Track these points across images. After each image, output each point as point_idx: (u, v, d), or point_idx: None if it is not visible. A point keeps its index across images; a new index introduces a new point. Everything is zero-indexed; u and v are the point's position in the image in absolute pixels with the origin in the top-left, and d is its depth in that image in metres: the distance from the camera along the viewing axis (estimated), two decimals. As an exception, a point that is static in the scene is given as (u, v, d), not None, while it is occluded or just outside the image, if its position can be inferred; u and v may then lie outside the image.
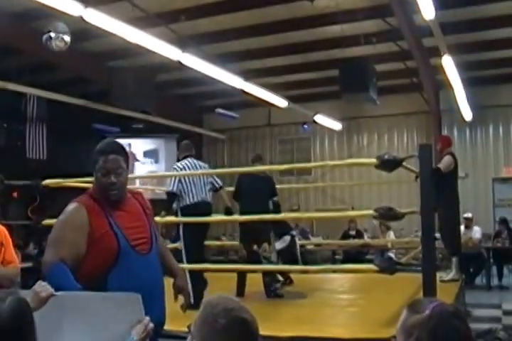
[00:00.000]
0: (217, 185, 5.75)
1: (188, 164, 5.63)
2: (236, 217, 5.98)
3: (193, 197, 5.49)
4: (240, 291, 5.73)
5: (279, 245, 6.72)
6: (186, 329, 1.61)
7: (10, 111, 12.16)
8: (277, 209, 6.10)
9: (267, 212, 5.77)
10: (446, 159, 6.44)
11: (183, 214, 5.50)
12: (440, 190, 6.10)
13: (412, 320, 1.48)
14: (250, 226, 5.74)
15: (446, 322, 1.45)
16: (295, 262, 7.18)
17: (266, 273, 5.80)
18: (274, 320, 4.48)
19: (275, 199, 6.06)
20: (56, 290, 2.11)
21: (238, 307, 1.58)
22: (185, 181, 5.53)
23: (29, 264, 8.80)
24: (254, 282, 5.90)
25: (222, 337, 1.52)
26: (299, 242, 8.00)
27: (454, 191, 6.53)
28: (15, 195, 12.06)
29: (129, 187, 2.86)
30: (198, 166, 5.66)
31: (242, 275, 5.89)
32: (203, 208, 5.50)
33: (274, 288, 5.84)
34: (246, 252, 5.91)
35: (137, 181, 10.27)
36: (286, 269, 6.41)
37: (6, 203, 11.05)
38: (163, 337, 3.74)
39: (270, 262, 5.89)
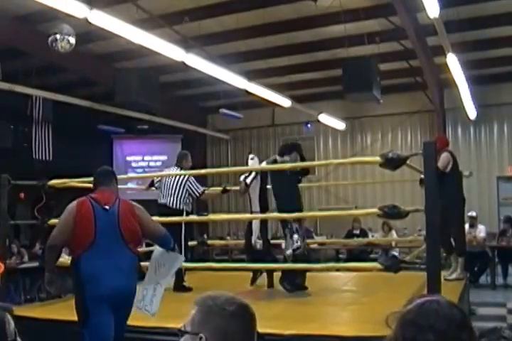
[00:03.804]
0: (194, 195, 6.41)
1: (167, 170, 6.82)
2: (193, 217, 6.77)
3: (159, 198, 6.46)
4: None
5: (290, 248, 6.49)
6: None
7: (16, 112, 12.28)
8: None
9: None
10: (443, 157, 6.42)
11: None
12: (443, 188, 6.12)
13: (396, 315, 1.39)
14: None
15: (421, 319, 1.33)
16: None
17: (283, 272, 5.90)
18: (278, 318, 4.50)
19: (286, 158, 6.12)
20: None
21: (234, 296, 1.66)
22: (160, 183, 6.53)
23: (35, 264, 8.92)
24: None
25: (234, 323, 1.58)
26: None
27: (457, 190, 6.52)
28: (22, 195, 12.15)
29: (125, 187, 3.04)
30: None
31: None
32: (161, 209, 6.25)
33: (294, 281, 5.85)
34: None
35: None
36: (288, 267, 6.40)
37: (13, 203, 11.13)
38: (162, 335, 3.77)
39: (285, 260, 5.84)
